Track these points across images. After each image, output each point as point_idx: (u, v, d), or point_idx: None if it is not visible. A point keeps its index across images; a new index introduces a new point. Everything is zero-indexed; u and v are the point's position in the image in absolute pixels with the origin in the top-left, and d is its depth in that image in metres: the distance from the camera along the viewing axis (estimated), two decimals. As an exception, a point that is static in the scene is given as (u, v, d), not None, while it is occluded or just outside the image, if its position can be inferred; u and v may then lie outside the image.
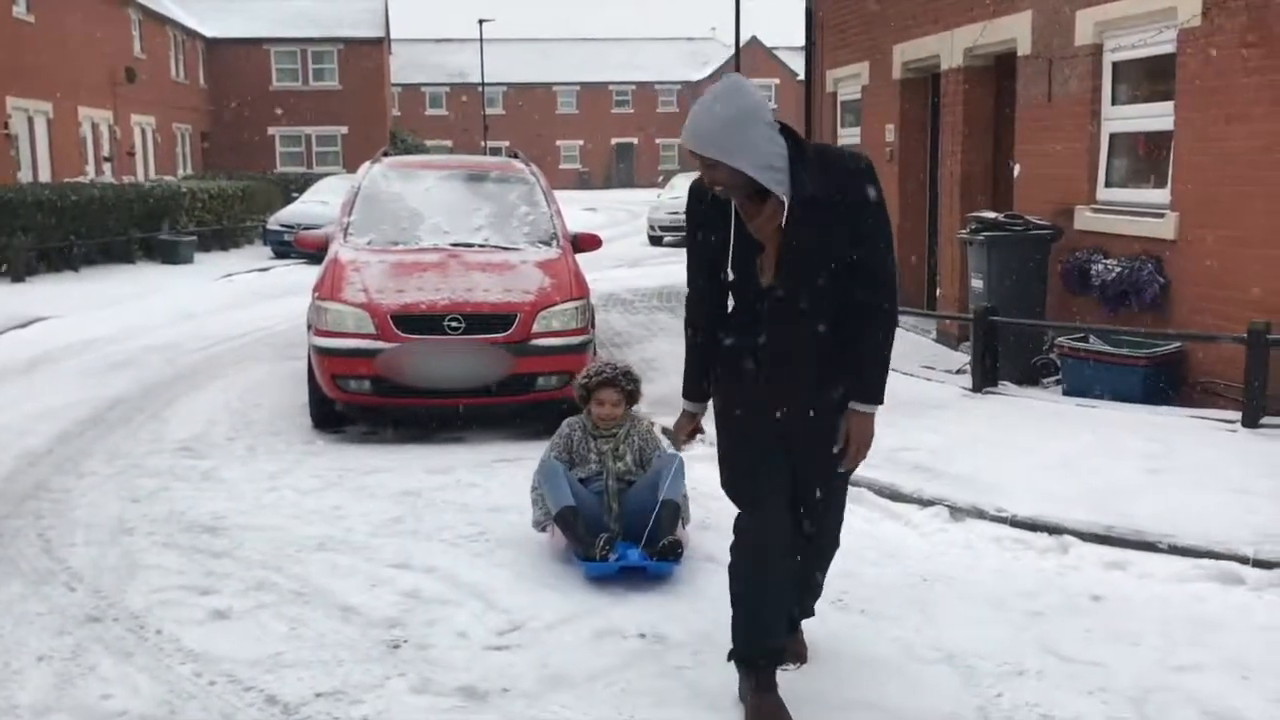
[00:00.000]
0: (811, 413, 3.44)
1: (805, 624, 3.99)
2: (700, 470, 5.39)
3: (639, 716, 3.64)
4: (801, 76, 18.16)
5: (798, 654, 3.87)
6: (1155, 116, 7.92)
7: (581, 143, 68.88)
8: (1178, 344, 7.48)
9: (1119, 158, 8.48)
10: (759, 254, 3.33)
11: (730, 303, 3.41)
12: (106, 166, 27.93)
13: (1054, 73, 8.95)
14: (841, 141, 13.67)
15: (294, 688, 3.85)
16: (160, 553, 5.28)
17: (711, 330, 3.53)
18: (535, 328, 7.57)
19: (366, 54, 43.21)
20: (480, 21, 50.30)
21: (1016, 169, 9.61)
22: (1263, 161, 6.82)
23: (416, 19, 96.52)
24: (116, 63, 29.06)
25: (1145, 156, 8.19)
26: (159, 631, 4.35)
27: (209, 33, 39.72)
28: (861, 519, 5.44)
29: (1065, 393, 7.77)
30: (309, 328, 7.82)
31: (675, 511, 4.90)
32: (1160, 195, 7.82)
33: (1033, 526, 5.28)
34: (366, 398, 7.57)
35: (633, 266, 21.52)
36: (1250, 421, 6.59)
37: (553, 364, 7.61)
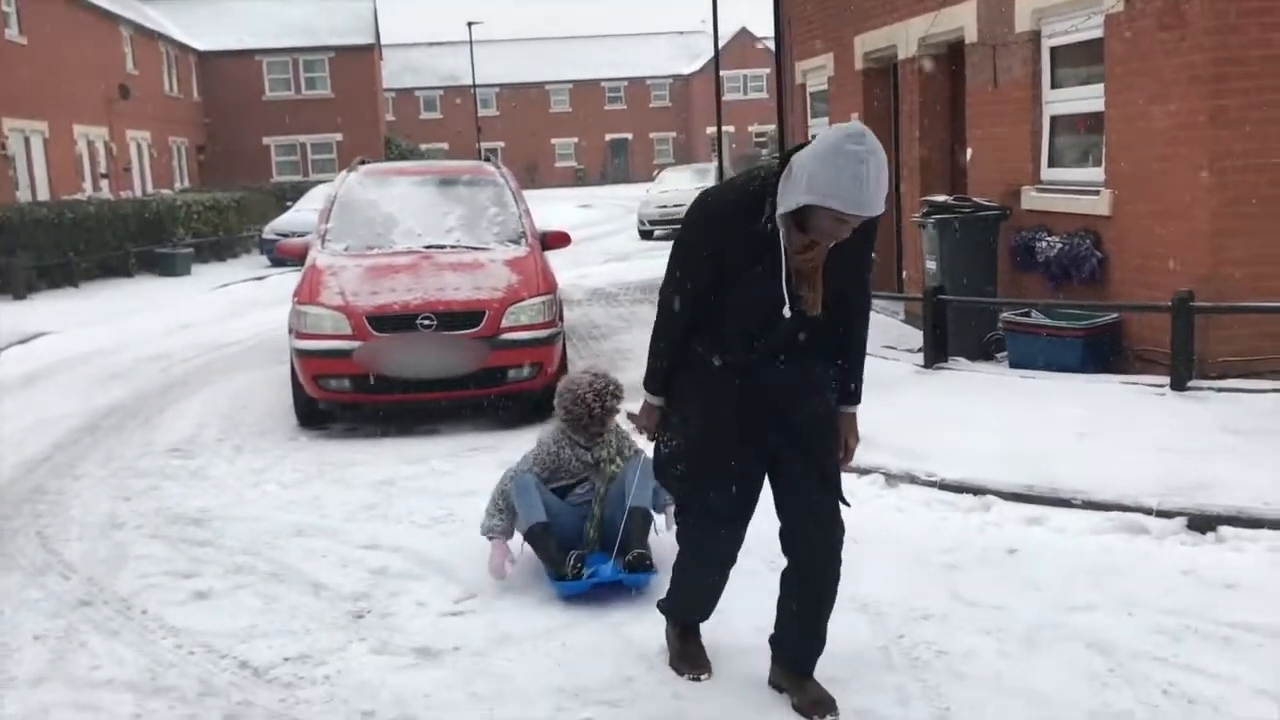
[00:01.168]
0: (807, 421, 3.51)
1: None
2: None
3: (575, 666, 4.02)
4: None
5: (824, 703, 3.58)
6: (1089, 99, 8.27)
7: (576, 140, 69.23)
8: (1114, 315, 7.84)
9: (1060, 139, 8.84)
10: (801, 285, 3.35)
11: (743, 323, 3.40)
12: (103, 183, 28.36)
13: (998, 59, 9.30)
14: (811, 131, 14.03)
15: (265, 654, 4.24)
16: (148, 544, 5.68)
17: (687, 341, 3.51)
18: (504, 323, 7.94)
19: (358, 61, 43.65)
20: (469, 24, 50.65)
21: (969, 153, 9.97)
22: (1181, 138, 7.18)
23: (407, 23, 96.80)
24: (110, 80, 29.49)
25: (1084, 137, 8.54)
26: (144, 612, 4.75)
27: (201, 46, 40.15)
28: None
29: (1011, 365, 8.13)
30: (290, 331, 8.21)
31: (645, 520, 4.81)
32: (1096, 174, 8.18)
33: (959, 489, 5.66)
34: (347, 395, 7.96)
35: (621, 261, 21.89)
36: (1178, 385, 6.95)
37: (522, 356, 7.99)
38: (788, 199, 3.21)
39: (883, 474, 5.96)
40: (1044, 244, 8.42)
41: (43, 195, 24.25)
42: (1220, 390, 6.93)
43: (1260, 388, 6.90)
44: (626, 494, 4.75)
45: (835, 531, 3.55)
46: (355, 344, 7.76)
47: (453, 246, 8.68)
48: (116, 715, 3.80)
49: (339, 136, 42.64)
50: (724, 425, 3.50)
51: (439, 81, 66.68)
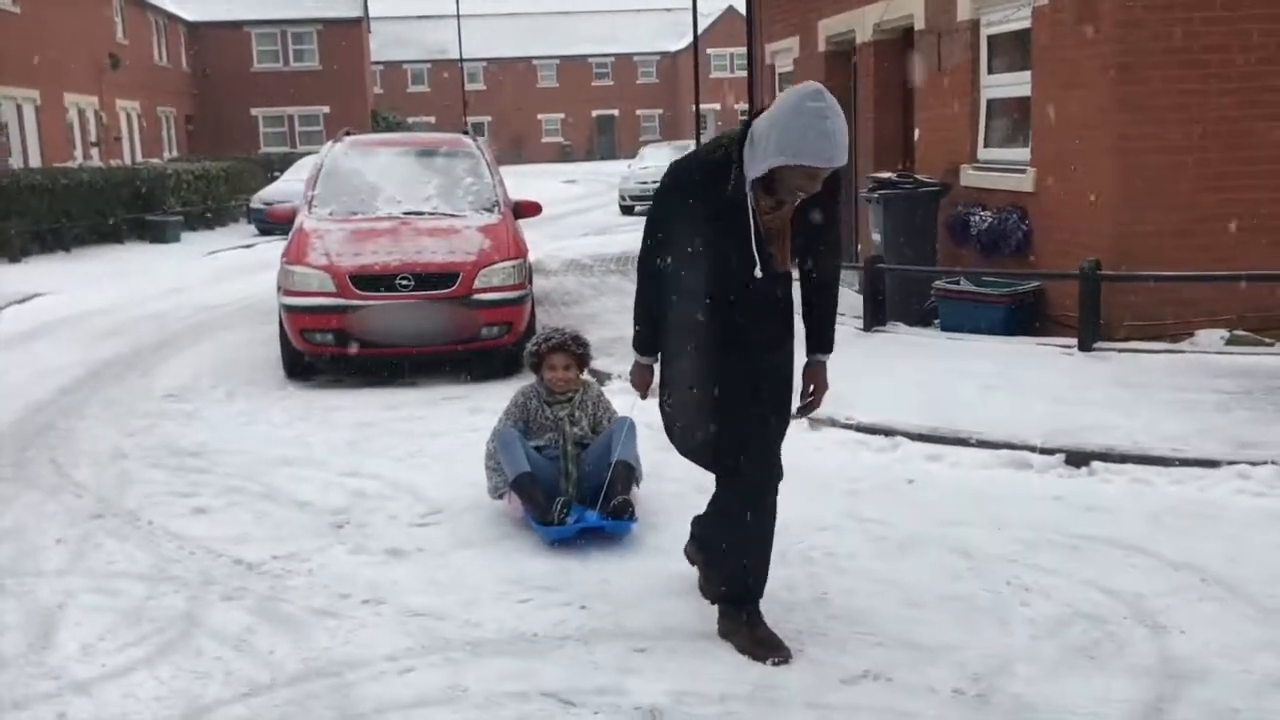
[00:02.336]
0: (768, 370, 3.74)
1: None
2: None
3: (520, 564, 4.73)
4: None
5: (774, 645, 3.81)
6: (1018, 85, 8.97)
7: (563, 116, 69.58)
8: (1036, 283, 8.57)
9: (995, 121, 9.54)
10: (770, 244, 3.55)
11: (719, 285, 3.59)
12: (94, 151, 28.84)
13: (942, 45, 9.99)
14: (778, 111, 14.69)
15: (256, 553, 4.94)
16: (150, 471, 6.37)
17: (666, 302, 3.73)
18: (477, 284, 8.61)
19: (345, 34, 44.01)
20: (457, -1, 50.92)
21: (917, 133, 10.66)
22: (1092, 123, 7.89)
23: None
24: (100, 49, 29.91)
25: (1015, 120, 9.25)
26: (150, 523, 5.44)
27: (190, 16, 40.49)
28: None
29: (943, 329, 8.86)
30: (279, 289, 8.87)
31: (629, 471, 5.01)
32: (1023, 154, 8.89)
33: (872, 430, 6.38)
34: (330, 348, 8.64)
35: (600, 234, 22.49)
36: (1085, 346, 7.69)
37: (493, 315, 8.67)
38: (757, 165, 3.41)
39: (808, 419, 6.67)
40: (977, 218, 9.13)
41: (34, 163, 24.73)
42: (1121, 351, 7.66)
43: (1156, 349, 7.64)
44: (612, 450, 4.98)
45: (774, 479, 3.79)
46: (338, 300, 8.42)
47: (430, 213, 9.33)
48: (132, 596, 4.50)
49: (326, 109, 43.06)
50: (710, 377, 3.67)
51: (427, 55, 66.93)
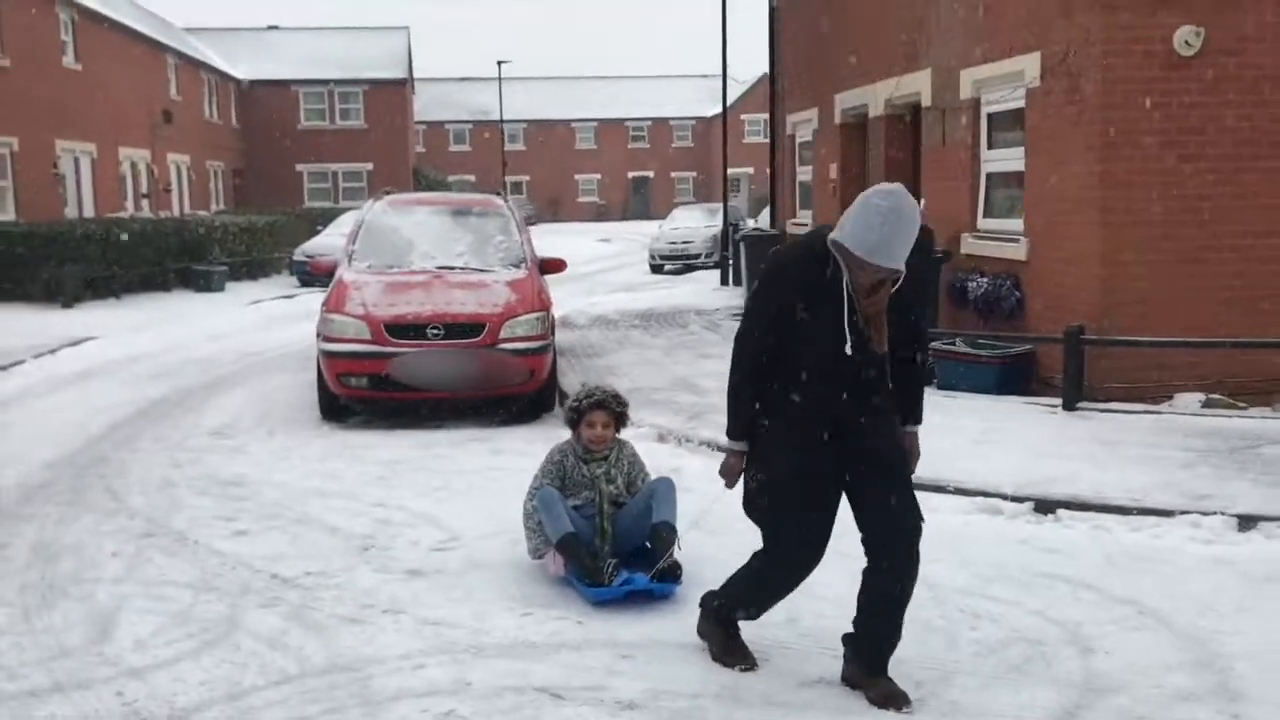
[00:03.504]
0: (883, 442, 3.91)
1: None
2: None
3: (526, 585, 5.25)
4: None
5: (897, 697, 3.91)
6: (1014, 159, 9.55)
7: (599, 176, 70.84)
8: (1028, 346, 9.07)
9: (994, 193, 10.10)
10: (868, 326, 3.69)
11: (816, 365, 3.74)
12: (145, 202, 29.96)
13: (947, 121, 10.59)
14: (799, 176, 15.34)
15: (291, 570, 5.51)
16: (197, 497, 6.96)
17: (763, 380, 3.90)
18: (502, 334, 9.22)
19: (390, 94, 45.35)
20: (499, 62, 52.39)
21: (923, 202, 11.22)
22: (1079, 197, 8.43)
23: (440, 59, 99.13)
24: (154, 105, 31.15)
25: (1011, 192, 9.81)
26: (196, 542, 6.02)
27: (241, 75, 41.93)
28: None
29: (939, 388, 9.34)
30: (318, 336, 9.51)
31: (672, 532, 5.05)
32: (1017, 224, 9.44)
33: (860, 477, 6.86)
34: (365, 392, 9.25)
35: (628, 292, 23.13)
36: (1068, 406, 8.17)
37: (517, 364, 9.26)
38: (833, 237, 3.68)
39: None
40: (974, 284, 9.67)
41: (88, 212, 25.79)
42: (1103, 411, 8.14)
43: (1136, 410, 8.11)
44: (654, 511, 5.09)
45: (917, 536, 3.94)
46: (373, 348, 9.04)
47: (461, 268, 9.98)
48: (180, 602, 5.07)
49: (370, 165, 44.26)
50: (805, 460, 3.82)
51: (469, 116, 68.51)
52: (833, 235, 3.66)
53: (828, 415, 3.80)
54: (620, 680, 4.16)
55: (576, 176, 70.52)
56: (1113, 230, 8.24)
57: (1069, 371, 8.11)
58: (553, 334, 9.86)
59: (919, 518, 3.93)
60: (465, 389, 9.20)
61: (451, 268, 9.97)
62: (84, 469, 7.79)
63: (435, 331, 9.11)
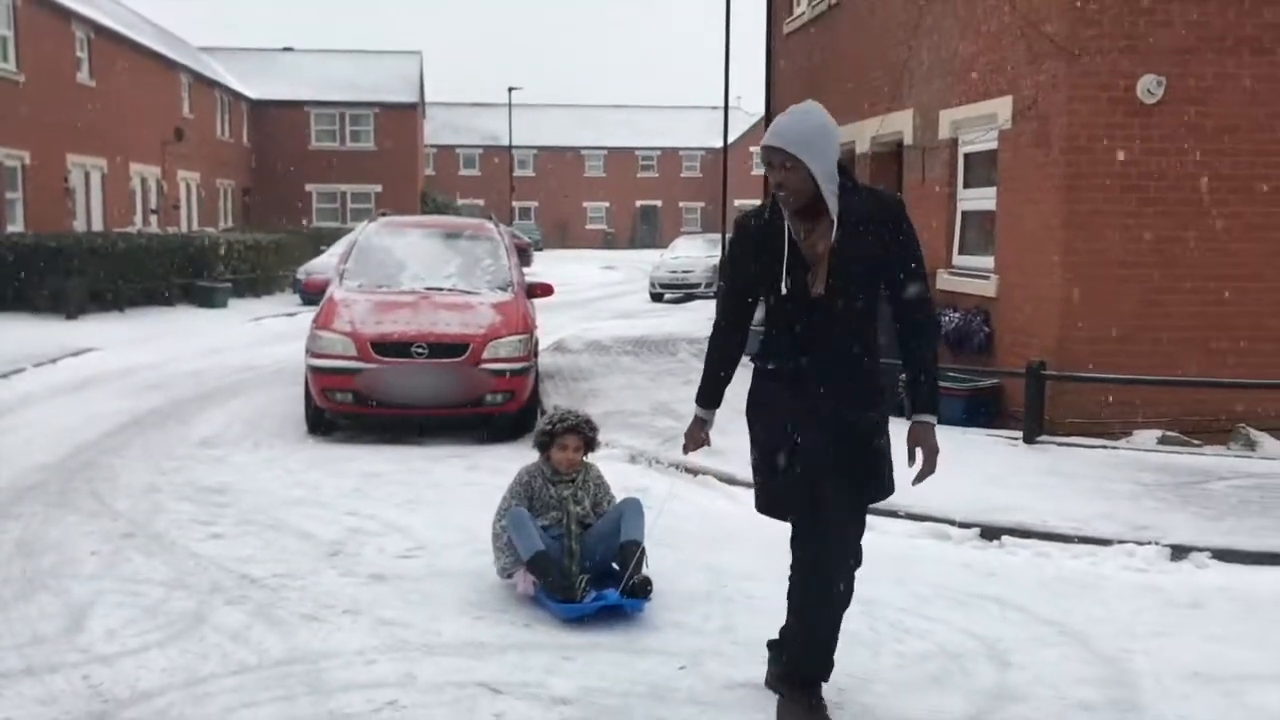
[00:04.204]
0: (854, 437, 3.76)
1: None
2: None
3: (484, 592, 5.50)
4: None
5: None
6: (986, 199, 9.84)
7: (608, 204, 71.40)
8: (995, 380, 9.32)
9: (969, 231, 10.39)
10: (809, 270, 3.63)
11: (781, 322, 3.73)
12: (153, 218, 30.39)
13: (926, 160, 10.90)
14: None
15: (261, 571, 5.76)
16: (178, 502, 7.23)
17: (735, 352, 3.94)
18: (485, 354, 9.49)
19: (401, 118, 45.97)
20: (510, 89, 53.02)
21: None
22: (1044, 236, 8.71)
23: (451, 84, 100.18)
24: (167, 123, 31.65)
25: (984, 230, 10.10)
26: (174, 543, 6.28)
27: (253, 95, 42.54)
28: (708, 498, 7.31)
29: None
30: (307, 352, 9.79)
31: (639, 549, 5.15)
32: (989, 261, 9.72)
33: (817, 500, 7.11)
34: (349, 407, 9.52)
35: (626, 319, 23.42)
36: (1029, 439, 8.42)
37: (498, 384, 9.54)
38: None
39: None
40: (947, 318, 9.93)
41: (97, 226, 26.22)
42: (1061, 445, 8.38)
43: (1093, 444, 8.35)
44: (622, 530, 5.21)
45: (853, 568, 3.86)
46: (358, 364, 9.32)
47: (449, 289, 10.27)
48: (152, 597, 5.32)
49: (378, 188, 44.81)
50: (780, 424, 3.74)
51: (479, 140, 69.17)
52: None
53: (802, 384, 3.70)
54: (558, 679, 4.41)
55: (585, 203, 71.09)
56: (1074, 269, 8.52)
57: (1029, 405, 8.37)
58: (535, 356, 10.13)
59: (857, 556, 3.87)
60: (446, 406, 9.46)
61: (439, 289, 10.26)
62: (73, 473, 8.07)
63: (420, 350, 9.39)
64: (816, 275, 3.64)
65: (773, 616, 5.10)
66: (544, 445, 5.48)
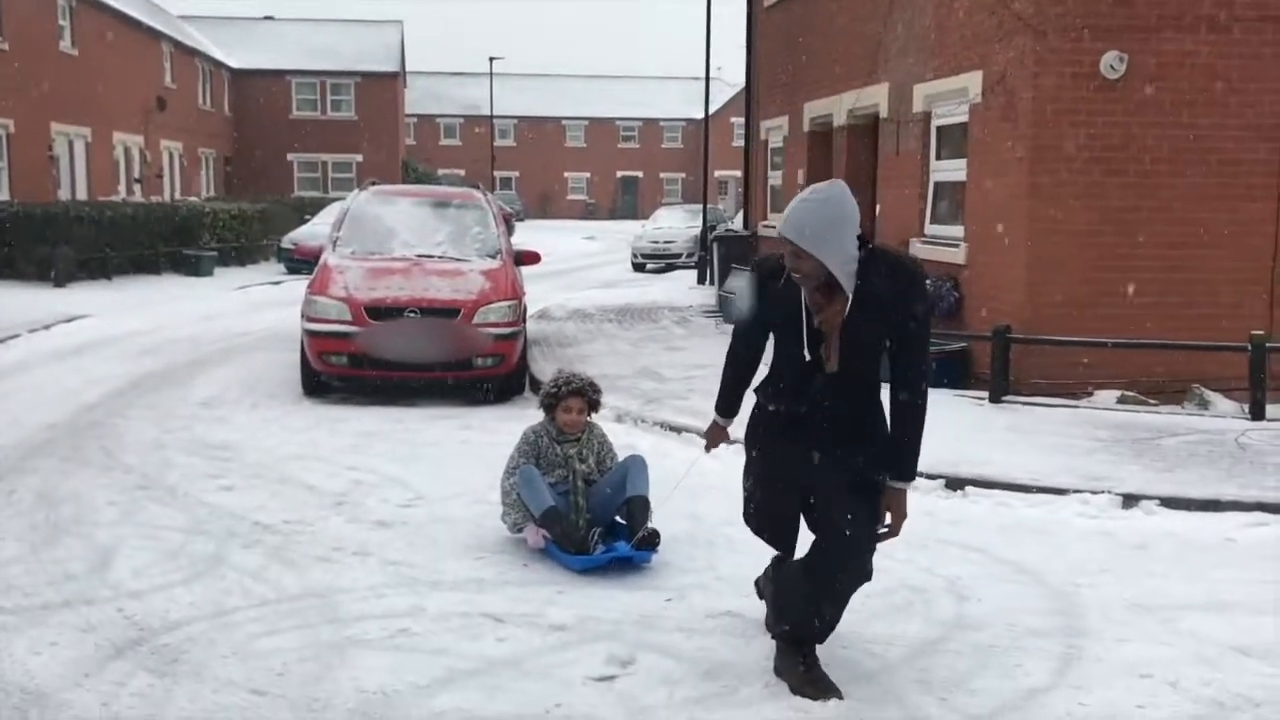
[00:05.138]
0: (834, 488, 3.88)
1: None
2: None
3: (482, 536, 5.89)
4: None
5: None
6: (958, 170, 10.23)
7: (589, 175, 71.47)
8: (963, 343, 9.75)
9: (941, 201, 10.79)
10: (823, 341, 3.73)
11: (787, 374, 3.85)
12: (136, 187, 30.48)
13: (901, 133, 11.27)
14: (770, 181, 16.02)
15: (272, 518, 6.14)
16: (186, 458, 7.59)
17: (750, 372, 4.15)
18: (475, 319, 9.85)
19: (382, 87, 45.96)
20: (491, 59, 53.00)
21: (878, 208, 11.92)
22: (1011, 206, 9.12)
23: (432, 53, 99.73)
24: (149, 92, 31.69)
25: (954, 200, 10.50)
26: (186, 494, 6.65)
27: (234, 64, 42.47)
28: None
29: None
30: (303, 316, 10.12)
31: (646, 504, 5.39)
32: (958, 230, 10.12)
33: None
34: (344, 370, 9.87)
35: (608, 288, 23.74)
36: (994, 399, 8.85)
37: (488, 348, 9.90)
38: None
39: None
40: (919, 285, 10.33)
41: (81, 195, 26.33)
42: (1026, 404, 8.82)
43: (1055, 404, 8.80)
44: (628, 485, 5.45)
45: (864, 555, 3.91)
46: (353, 328, 9.67)
47: (440, 256, 10.61)
48: (172, 542, 5.70)
49: (359, 157, 44.86)
50: (770, 460, 4.00)
51: (460, 110, 69.05)
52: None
53: (796, 428, 3.89)
54: (555, 609, 4.81)
55: (566, 174, 71.13)
56: (1039, 237, 8.93)
57: (995, 367, 8.79)
58: (524, 321, 10.49)
59: (869, 559, 3.95)
60: (438, 368, 9.81)
61: (430, 256, 10.59)
62: (81, 431, 8.41)
63: (412, 314, 9.74)
64: (829, 350, 3.74)
65: (752, 556, 5.50)
66: (549, 406, 5.69)
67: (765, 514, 4.15)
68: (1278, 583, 5.35)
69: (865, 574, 3.95)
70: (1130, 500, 6.52)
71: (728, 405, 4.32)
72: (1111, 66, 8.86)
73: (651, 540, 5.29)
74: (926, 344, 3.94)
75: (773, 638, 4.23)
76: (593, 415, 5.81)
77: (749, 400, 4.19)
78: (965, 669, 4.29)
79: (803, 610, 4.01)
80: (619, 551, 5.24)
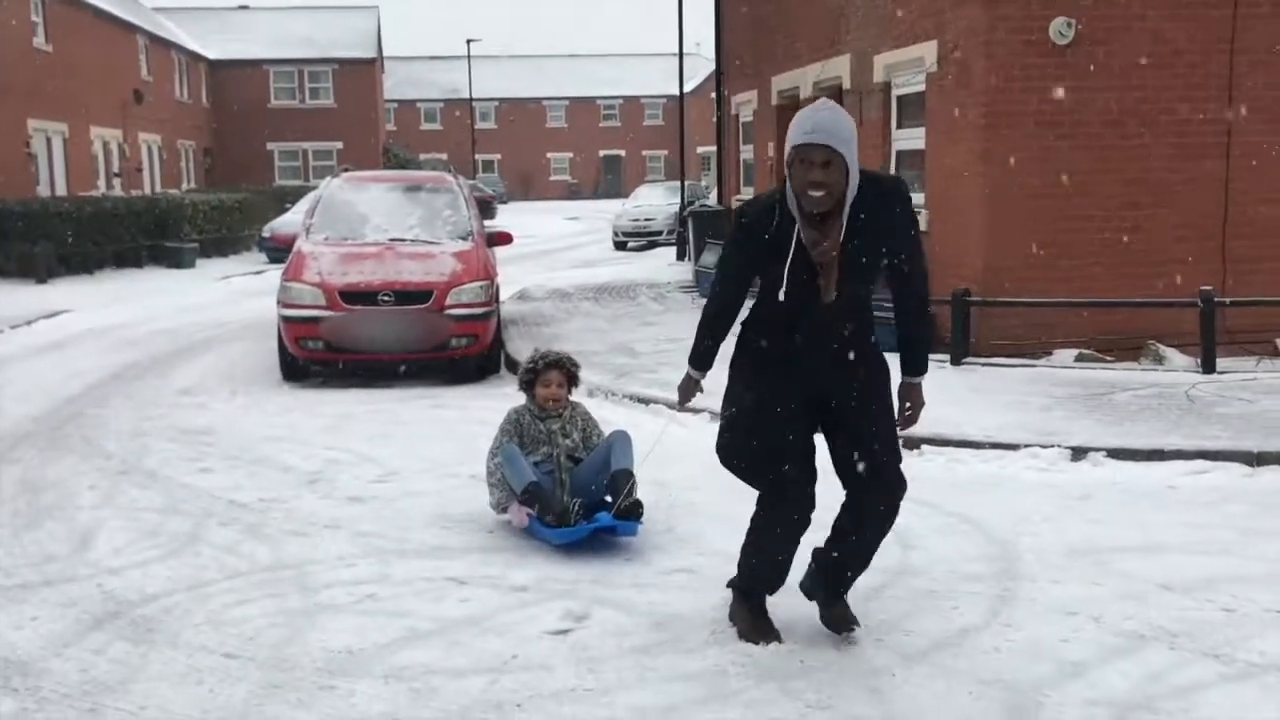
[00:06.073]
0: (853, 390, 3.96)
1: None
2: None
3: (449, 509, 6.09)
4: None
5: (849, 620, 4.16)
6: (918, 139, 10.42)
7: (571, 155, 71.49)
8: (926, 309, 9.94)
9: (903, 169, 10.98)
10: (816, 276, 3.73)
11: (780, 309, 3.81)
12: (116, 181, 30.52)
13: (863, 103, 11.45)
14: (742, 155, 16.19)
15: (248, 497, 6.35)
16: (166, 444, 7.78)
17: (726, 327, 4.07)
18: (448, 301, 10.03)
19: (360, 73, 45.94)
20: (468, 41, 52.96)
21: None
22: (966, 172, 9.32)
23: (410, 38, 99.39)
24: (126, 86, 31.68)
25: (916, 168, 10.70)
26: (165, 477, 6.85)
27: (211, 55, 42.40)
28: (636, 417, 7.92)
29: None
30: (278, 303, 10.30)
31: (629, 476, 5.34)
32: (919, 197, 10.31)
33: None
34: (321, 354, 10.06)
35: (588, 268, 23.93)
36: (955, 361, 9.07)
37: (462, 328, 10.09)
38: (787, 183, 3.72)
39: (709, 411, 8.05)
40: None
41: (60, 191, 26.38)
42: (986, 365, 9.04)
43: (1015, 364, 9.02)
44: (612, 460, 5.41)
45: (895, 485, 4.03)
46: (328, 313, 9.85)
47: (412, 240, 10.78)
48: (150, 522, 5.89)
49: (339, 144, 44.86)
50: (770, 399, 3.93)
51: (439, 94, 68.96)
52: (787, 154, 3.71)
53: (794, 361, 3.90)
54: (516, 571, 5.03)
55: (548, 155, 71.13)
56: (995, 202, 9.13)
57: (955, 330, 9.01)
58: (497, 301, 10.68)
59: (898, 475, 4.04)
60: (413, 351, 10.00)
61: (402, 240, 10.76)
62: (63, 421, 8.59)
63: (386, 298, 9.92)
64: (828, 282, 3.74)
65: (710, 519, 5.76)
66: (529, 384, 5.68)
67: (766, 446, 3.98)
68: (1211, 525, 5.59)
69: (903, 485, 4.10)
70: (1079, 453, 6.76)
71: (704, 356, 4.18)
72: (1060, 32, 9.05)
73: (634, 510, 5.26)
74: (923, 249, 3.98)
75: (734, 589, 4.35)
76: (572, 391, 5.81)
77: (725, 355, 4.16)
78: (903, 612, 4.52)
79: (852, 567, 4.15)
80: (600, 522, 5.18)
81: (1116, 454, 6.72)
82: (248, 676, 3.98)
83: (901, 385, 4.13)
